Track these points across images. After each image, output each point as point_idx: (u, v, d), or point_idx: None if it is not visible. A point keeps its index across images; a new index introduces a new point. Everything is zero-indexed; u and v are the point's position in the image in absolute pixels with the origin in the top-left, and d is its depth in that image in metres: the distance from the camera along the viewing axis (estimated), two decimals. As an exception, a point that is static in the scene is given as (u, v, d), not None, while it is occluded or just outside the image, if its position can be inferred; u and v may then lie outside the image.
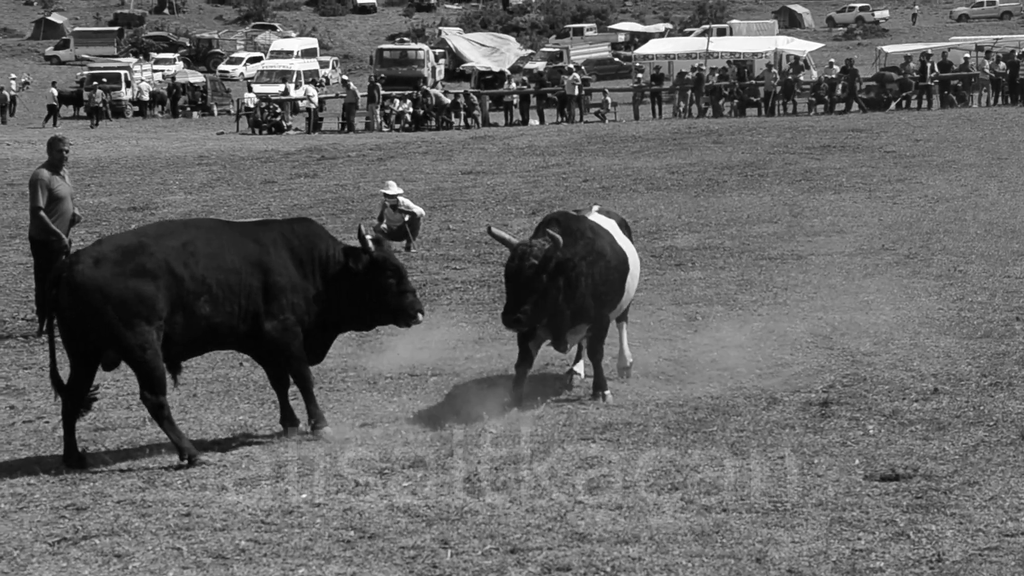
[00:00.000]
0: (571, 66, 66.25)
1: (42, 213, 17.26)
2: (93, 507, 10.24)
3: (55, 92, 67.32)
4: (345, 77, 71.88)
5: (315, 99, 60.83)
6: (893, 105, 55.37)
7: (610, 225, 14.10)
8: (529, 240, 13.26)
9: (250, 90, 67.10)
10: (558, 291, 12.99)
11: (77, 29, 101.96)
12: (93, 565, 8.93)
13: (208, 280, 11.89)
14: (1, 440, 12.86)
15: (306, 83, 67.17)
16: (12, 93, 73.25)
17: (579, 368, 14.51)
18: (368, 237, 12.69)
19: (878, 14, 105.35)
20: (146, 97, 72.70)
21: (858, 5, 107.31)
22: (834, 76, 57.74)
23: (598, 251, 13.37)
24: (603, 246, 13.48)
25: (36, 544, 9.40)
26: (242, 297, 12.08)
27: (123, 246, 11.85)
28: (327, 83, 75.51)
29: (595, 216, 14.20)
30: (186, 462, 11.52)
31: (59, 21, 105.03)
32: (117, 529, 9.65)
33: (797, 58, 64.73)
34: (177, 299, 11.72)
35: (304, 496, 10.37)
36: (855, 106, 55.46)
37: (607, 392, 13.53)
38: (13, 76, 78.12)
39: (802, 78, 60.96)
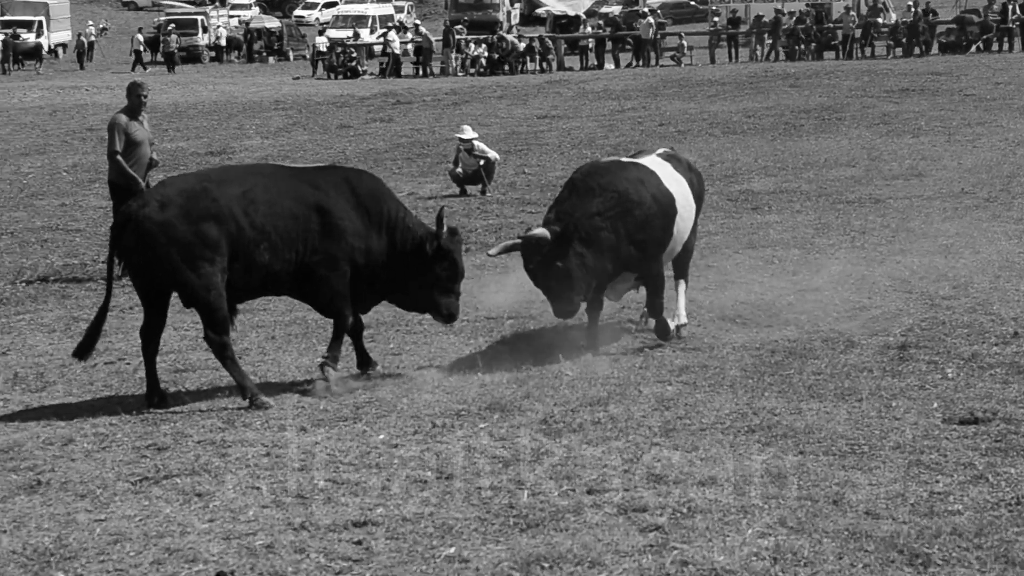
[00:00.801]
0: (646, 9, 65.86)
1: (119, 157, 17.35)
2: (174, 447, 10.34)
3: (141, 38, 67.56)
4: (418, 22, 71.89)
5: (397, 45, 60.69)
6: (974, 48, 54.66)
7: (661, 168, 13.83)
8: (527, 235, 12.96)
9: (321, 34, 67.18)
10: (582, 258, 12.83)
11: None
12: (174, 504, 9.01)
13: (267, 228, 11.94)
14: (83, 381, 13.00)
15: (387, 28, 67.00)
16: (90, 39, 73.71)
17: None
18: (445, 227, 12.70)
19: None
20: (223, 43, 72.89)
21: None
22: (913, 19, 57.07)
23: (625, 200, 13.08)
24: (634, 193, 13.17)
25: (118, 483, 9.50)
26: (300, 243, 12.13)
27: (187, 190, 11.91)
28: (402, 28, 75.50)
29: (648, 159, 14.01)
30: (247, 402, 11.63)
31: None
32: (198, 468, 9.73)
33: (875, 0, 63.95)
34: (238, 245, 11.80)
35: (382, 437, 10.42)
36: (935, 48, 54.86)
37: (676, 325, 13.59)
38: (91, 22, 78.59)
39: (880, 20, 60.23)
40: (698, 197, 14.25)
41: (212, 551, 8.12)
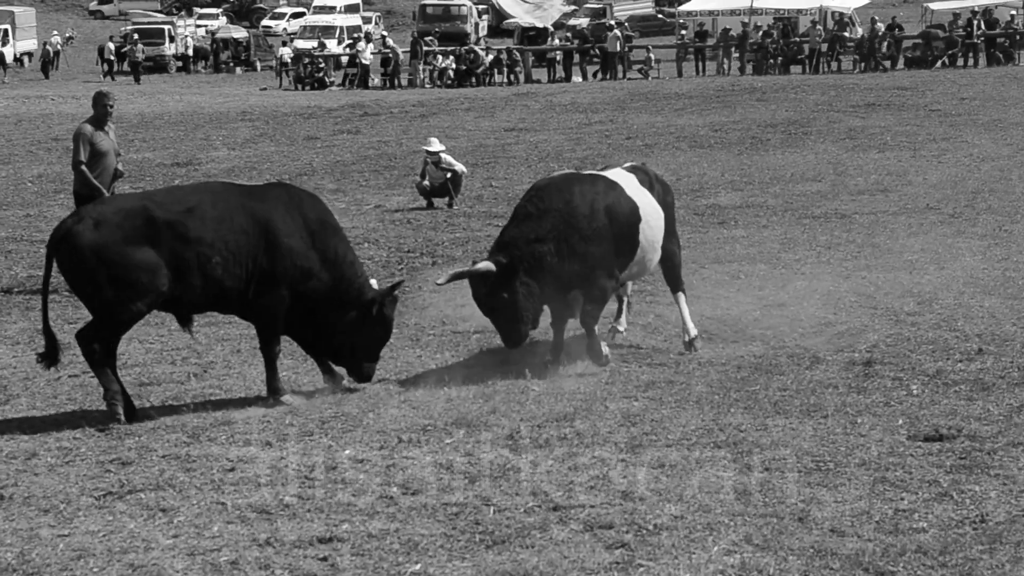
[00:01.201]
0: (613, 22, 66.02)
1: (84, 168, 17.25)
2: (138, 461, 10.31)
3: (112, 47, 67.30)
4: (385, 33, 71.85)
5: (367, 56, 60.62)
6: (939, 63, 54.93)
7: (625, 178, 13.77)
8: (472, 268, 12.90)
9: (285, 45, 67.17)
10: (528, 287, 12.78)
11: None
12: (138, 519, 8.98)
13: (217, 243, 11.89)
14: (47, 394, 12.95)
15: (355, 39, 66.92)
16: (56, 48, 73.48)
17: (621, 324, 14.46)
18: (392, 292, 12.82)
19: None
20: (190, 52, 72.78)
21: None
22: (879, 34, 57.34)
23: (568, 215, 12.92)
24: (580, 205, 13.02)
25: (82, 498, 9.47)
26: (250, 259, 12.06)
27: (125, 209, 11.89)
28: (369, 39, 75.40)
29: (613, 172, 13.99)
30: (106, 404, 11.69)
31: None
32: (162, 484, 9.71)
33: (842, 15, 64.15)
34: (185, 263, 11.76)
35: (347, 452, 10.40)
36: (900, 63, 55.16)
37: (605, 355, 13.20)
38: (56, 32, 78.36)
39: (847, 35, 60.42)
40: (665, 206, 14.12)
41: (176, 567, 8.11)
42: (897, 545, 8.18)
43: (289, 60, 62.62)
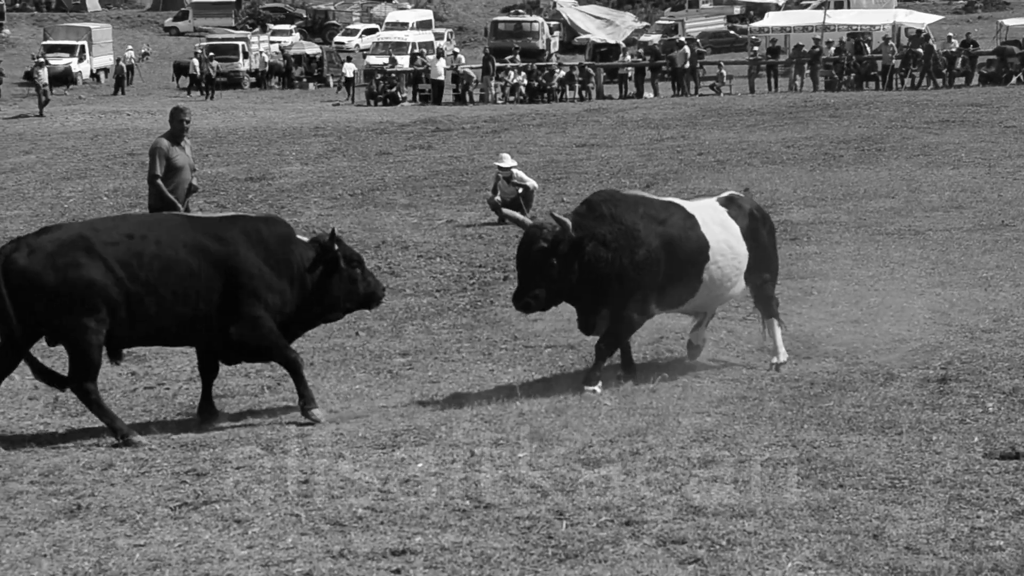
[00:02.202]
0: (682, 39, 65.90)
1: (159, 182, 17.35)
2: (213, 473, 10.35)
3: (196, 63, 67.79)
4: (456, 49, 72.09)
5: (440, 71, 60.76)
6: (1014, 79, 54.48)
7: (708, 213, 13.64)
8: (541, 222, 13.10)
9: (349, 60, 67.55)
10: (572, 274, 12.78)
11: (196, 1, 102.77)
12: (213, 530, 9.02)
13: (153, 282, 11.92)
14: (123, 405, 13.07)
15: (430, 56, 67.17)
16: (129, 63, 74.13)
17: (697, 339, 14.29)
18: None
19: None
20: (265, 68, 73.23)
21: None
22: (953, 51, 57.00)
23: (631, 236, 12.90)
24: (642, 231, 12.95)
25: (158, 508, 9.51)
26: (200, 300, 12.10)
27: (61, 239, 11.92)
28: (441, 55, 75.59)
29: (704, 203, 13.94)
30: (121, 441, 11.65)
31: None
32: (236, 495, 9.74)
33: (918, 31, 63.80)
34: (117, 296, 11.79)
35: (420, 465, 10.40)
36: (975, 79, 54.75)
37: (589, 388, 12.89)
38: (131, 47, 79.07)
39: (921, 51, 60.04)
40: (756, 241, 13.88)
41: (251, 578, 8.14)
42: (973, 563, 8.10)
43: (352, 76, 62.99)
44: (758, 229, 14.01)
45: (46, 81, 56.18)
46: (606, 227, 12.89)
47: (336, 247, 12.76)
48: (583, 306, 13.17)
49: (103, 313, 11.78)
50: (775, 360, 13.82)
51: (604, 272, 12.85)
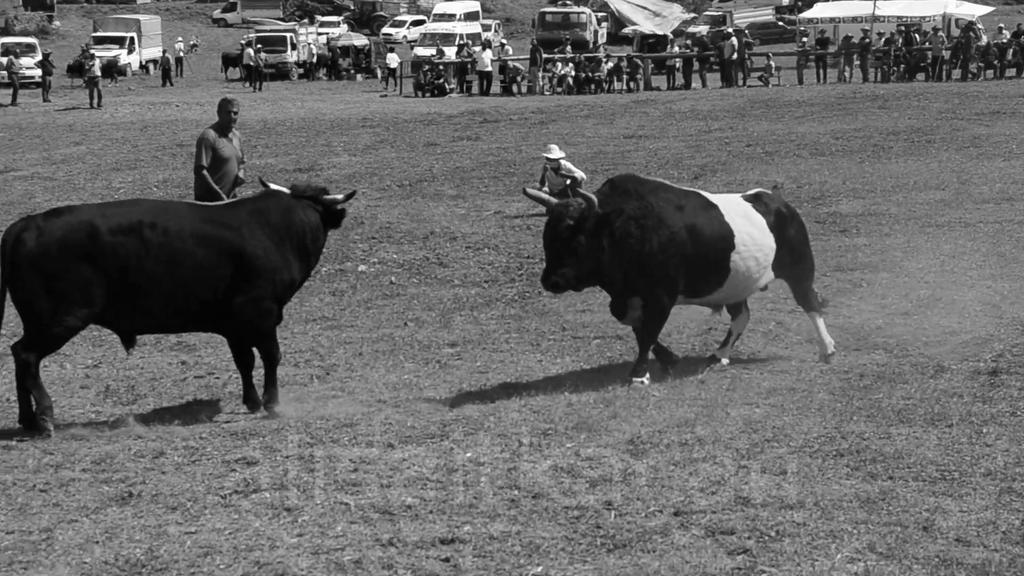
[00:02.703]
0: (730, 30, 65.67)
1: (205, 172, 17.28)
2: (263, 461, 10.40)
3: (252, 52, 67.93)
4: (504, 41, 72.07)
5: (488, 63, 60.78)
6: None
7: (731, 204, 13.58)
8: (566, 200, 13.00)
9: (391, 51, 67.73)
10: (601, 251, 12.64)
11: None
12: (263, 517, 9.07)
13: (158, 274, 11.92)
14: (173, 394, 13.15)
15: (476, 47, 67.25)
16: (178, 55, 74.45)
17: (724, 356, 13.92)
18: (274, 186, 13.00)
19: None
20: (312, 60, 73.39)
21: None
22: (1004, 41, 56.61)
23: (657, 215, 12.82)
24: (667, 214, 12.87)
25: (208, 496, 9.58)
26: (208, 290, 12.11)
27: (71, 223, 11.90)
28: (489, 46, 75.52)
29: (729, 197, 13.88)
30: (38, 415, 11.72)
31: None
32: (286, 483, 9.79)
33: (970, 21, 63.38)
34: (119, 286, 11.81)
35: (469, 455, 10.44)
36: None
37: (637, 380, 12.82)
38: (180, 39, 79.42)
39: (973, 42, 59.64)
40: (785, 239, 13.73)
41: (301, 566, 8.18)
42: (1024, 556, 8.09)
43: (396, 67, 63.18)
44: (785, 225, 13.84)
45: (98, 74, 56.37)
46: (633, 203, 12.80)
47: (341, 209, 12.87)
48: (614, 288, 13.05)
49: (95, 308, 11.82)
50: (823, 352, 13.73)
51: (634, 249, 12.73)
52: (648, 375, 12.93)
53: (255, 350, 12.64)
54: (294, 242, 12.48)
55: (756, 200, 13.87)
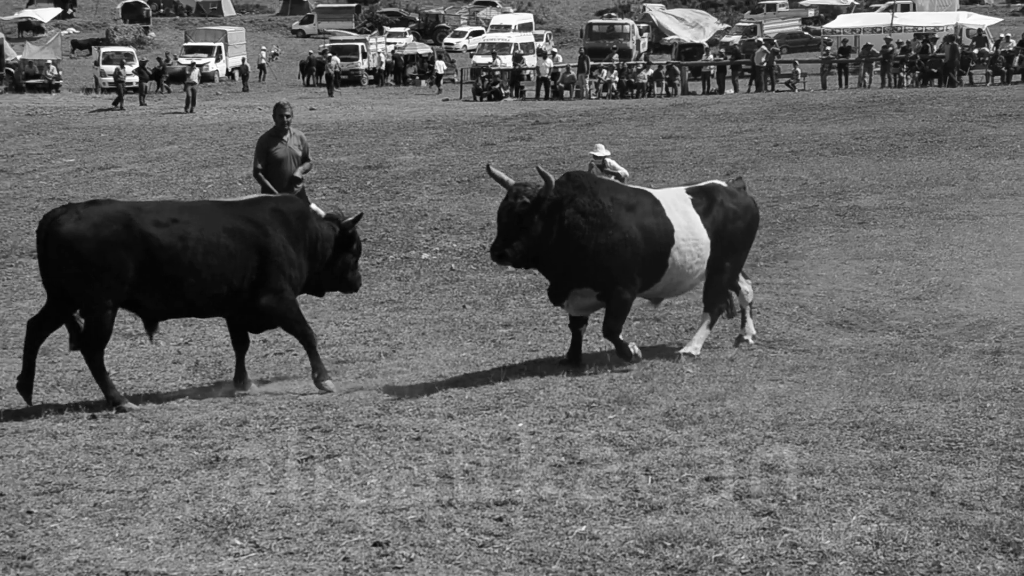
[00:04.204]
0: (761, 39, 65.37)
1: (260, 174, 17.12)
2: (336, 430, 10.46)
3: (338, 60, 68.00)
4: (555, 49, 71.95)
5: (546, 69, 60.73)
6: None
7: (675, 201, 13.01)
8: (526, 182, 12.55)
9: (440, 58, 67.92)
10: (549, 235, 12.13)
11: (320, 5, 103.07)
12: (336, 480, 9.13)
13: (197, 265, 11.87)
14: (256, 370, 13.22)
15: (520, 54, 67.24)
16: (261, 63, 74.74)
17: (748, 333, 13.69)
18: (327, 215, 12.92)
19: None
20: (381, 67, 73.51)
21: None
22: (1011, 49, 56.13)
23: (604, 216, 12.32)
24: (613, 215, 12.37)
25: (287, 461, 9.63)
26: (235, 279, 12.08)
27: (108, 213, 11.84)
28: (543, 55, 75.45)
29: (673, 191, 13.38)
30: (114, 411, 11.63)
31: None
32: (357, 450, 9.84)
33: (980, 30, 62.86)
34: (151, 274, 11.74)
35: (520, 425, 10.47)
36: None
37: (630, 364, 12.48)
38: (264, 48, 79.69)
39: (982, 50, 59.10)
40: (725, 232, 13.09)
41: (369, 524, 8.22)
42: (1023, 519, 8.06)
43: (443, 72, 63.58)
44: (728, 222, 13.17)
45: (196, 81, 56.66)
46: (585, 198, 12.33)
47: (351, 227, 12.81)
48: (553, 273, 12.51)
49: (124, 289, 11.72)
50: (686, 350, 13.02)
51: (579, 243, 12.24)
52: (634, 345, 12.68)
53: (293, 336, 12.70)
54: (305, 244, 12.45)
55: (699, 193, 13.29)
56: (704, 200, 13.14)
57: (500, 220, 12.30)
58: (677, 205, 12.97)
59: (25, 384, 11.98)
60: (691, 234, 12.87)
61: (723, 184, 13.71)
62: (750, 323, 13.79)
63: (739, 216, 13.30)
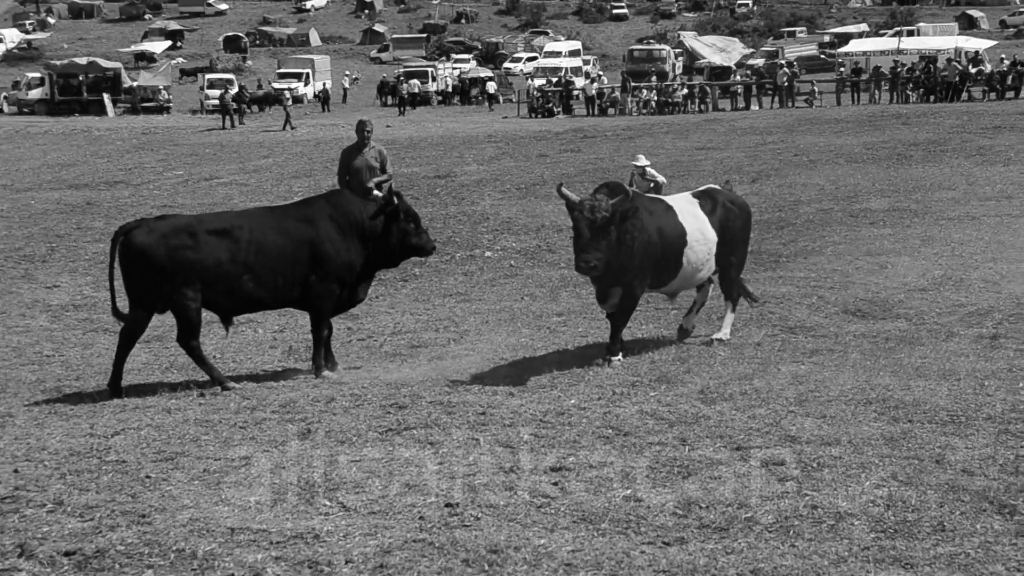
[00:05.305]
0: (783, 62, 64.93)
1: (343, 182, 17.16)
2: (411, 406, 10.51)
3: (417, 82, 68.12)
4: (600, 72, 71.75)
5: (593, 90, 60.61)
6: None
7: (685, 205, 12.88)
8: (594, 195, 12.05)
9: (490, 80, 68.23)
10: (618, 241, 11.88)
11: (395, 36, 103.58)
12: (412, 449, 9.17)
13: (251, 262, 11.84)
14: (340, 354, 13.28)
15: (579, 76, 67.20)
16: (344, 86, 75.00)
17: (689, 324, 13.37)
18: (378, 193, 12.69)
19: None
20: (448, 89, 73.60)
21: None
22: (1004, 69, 55.53)
23: (641, 219, 12.09)
24: (646, 220, 12.19)
25: (369, 432, 9.69)
26: (289, 271, 11.99)
27: (175, 224, 11.92)
28: (590, 77, 75.13)
29: (681, 196, 13.22)
30: (219, 388, 11.68)
31: (381, 30, 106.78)
32: (430, 423, 9.88)
33: (977, 52, 62.16)
34: (215, 274, 11.73)
35: (573, 401, 10.50)
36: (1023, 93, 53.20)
37: (614, 359, 12.11)
38: (347, 73, 79.95)
39: (979, 69, 58.45)
40: (727, 229, 13.03)
41: (441, 487, 8.26)
42: (1018, 484, 8.00)
43: (494, 92, 64.87)
44: (729, 220, 13.07)
45: (290, 102, 56.92)
46: (632, 206, 12.07)
47: (396, 201, 12.53)
48: (608, 278, 12.13)
49: (198, 286, 11.75)
50: (717, 336, 12.99)
51: (628, 245, 12.00)
52: (621, 353, 12.28)
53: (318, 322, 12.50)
54: (353, 231, 12.31)
55: (704, 197, 13.19)
56: (709, 202, 13.11)
57: (582, 234, 11.78)
58: (687, 209, 12.91)
59: (115, 384, 12.00)
60: (702, 234, 12.81)
61: (719, 188, 13.70)
62: (693, 317, 13.53)
63: (738, 215, 13.31)
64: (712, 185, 13.96)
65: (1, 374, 13.33)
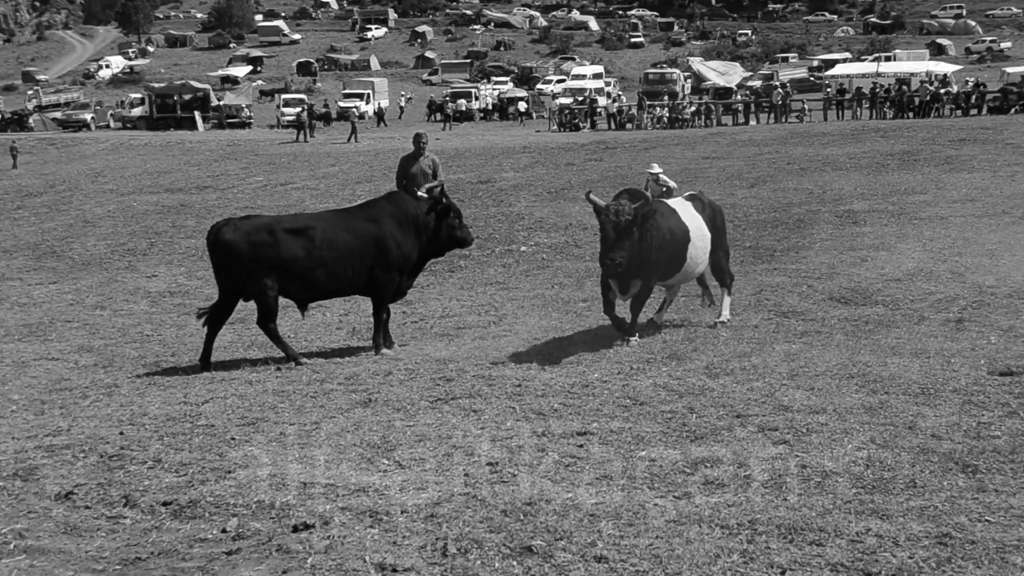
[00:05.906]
0: (778, 83, 64.49)
1: (401, 186, 17.13)
2: (457, 379, 10.55)
3: (464, 101, 68.02)
4: (620, 92, 71.44)
5: (614, 108, 60.35)
6: (1013, 110, 52.36)
7: (683, 207, 12.82)
8: (619, 202, 11.92)
9: (521, 99, 68.34)
10: (640, 242, 11.78)
11: (443, 61, 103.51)
12: (458, 416, 9.21)
13: (324, 258, 11.86)
14: (397, 334, 13.33)
15: (601, 96, 66.94)
16: (400, 105, 74.97)
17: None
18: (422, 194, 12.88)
19: (1003, 45, 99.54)
20: (489, 107, 73.49)
21: (988, 39, 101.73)
22: (969, 90, 55.00)
23: (656, 219, 12.02)
24: (661, 221, 12.14)
25: (421, 402, 9.73)
26: (356, 264, 11.98)
27: (257, 224, 11.99)
28: (612, 97, 74.70)
29: (676, 200, 13.12)
30: (292, 363, 11.69)
31: (431, 56, 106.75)
32: (473, 394, 9.91)
33: (945, 75, 61.57)
34: (292, 267, 11.76)
35: (596, 375, 10.50)
36: (985, 110, 52.67)
37: (632, 339, 12.06)
38: (402, 93, 79.91)
39: (946, 90, 57.92)
40: (715, 228, 13.03)
41: (483, 448, 8.28)
42: (979, 447, 7.95)
43: (525, 109, 64.32)
44: (715, 220, 13.09)
45: (356, 119, 56.86)
46: (649, 207, 12.02)
47: (444, 200, 12.57)
48: (628, 273, 11.96)
49: (276, 277, 11.81)
50: (719, 319, 12.94)
51: (647, 243, 11.90)
52: (638, 335, 12.24)
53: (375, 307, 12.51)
54: (411, 226, 12.32)
55: (694, 200, 13.16)
56: (699, 203, 13.13)
57: (608, 235, 11.65)
58: (685, 210, 12.87)
59: (205, 360, 12.13)
60: (700, 232, 12.80)
61: (699, 193, 13.61)
62: (664, 314, 13.50)
63: (719, 213, 13.41)
64: (694, 192, 13.95)
65: (108, 351, 13.45)
